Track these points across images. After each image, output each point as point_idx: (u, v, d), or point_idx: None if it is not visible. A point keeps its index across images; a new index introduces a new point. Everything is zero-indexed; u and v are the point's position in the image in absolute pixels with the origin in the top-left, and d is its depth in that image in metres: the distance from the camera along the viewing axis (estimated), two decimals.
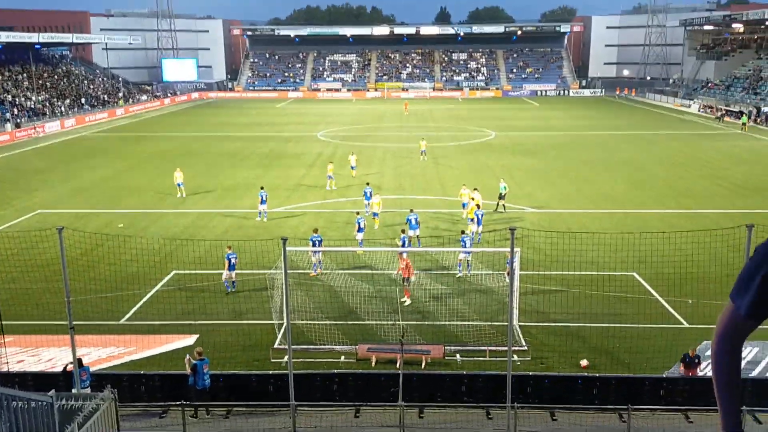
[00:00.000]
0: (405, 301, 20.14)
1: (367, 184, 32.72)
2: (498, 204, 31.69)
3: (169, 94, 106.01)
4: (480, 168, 44.75)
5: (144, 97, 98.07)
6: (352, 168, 40.33)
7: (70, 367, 14.45)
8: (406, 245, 23.77)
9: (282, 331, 18.08)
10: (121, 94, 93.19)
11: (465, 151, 52.40)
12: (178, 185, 35.74)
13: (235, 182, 39.88)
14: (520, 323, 18.70)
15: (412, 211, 27.01)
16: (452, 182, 39.25)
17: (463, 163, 46.50)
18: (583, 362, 15.98)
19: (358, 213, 26.27)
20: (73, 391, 13.50)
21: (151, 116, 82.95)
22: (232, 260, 21.56)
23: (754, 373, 15.90)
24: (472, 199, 28.87)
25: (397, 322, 18.86)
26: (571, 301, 20.42)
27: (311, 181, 40.23)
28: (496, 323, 18.74)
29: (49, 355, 17.06)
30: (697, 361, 14.97)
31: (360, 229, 25.33)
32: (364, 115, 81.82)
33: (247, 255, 24.04)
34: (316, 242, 23.39)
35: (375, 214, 29.28)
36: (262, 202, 30.13)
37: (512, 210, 32.67)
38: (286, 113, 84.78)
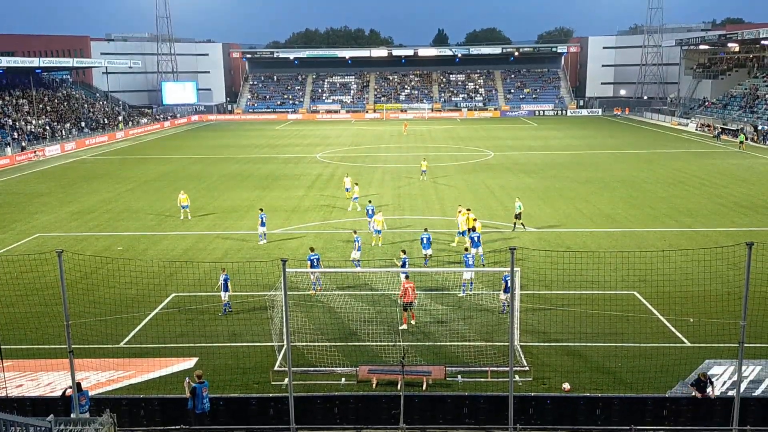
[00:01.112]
0: (403, 327, 20.08)
1: (369, 201, 32.98)
2: (515, 224, 31.86)
3: (168, 117, 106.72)
4: (479, 187, 44.86)
5: (144, 120, 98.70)
6: (348, 190, 40.53)
7: (69, 392, 14.38)
8: (407, 266, 23.76)
9: (282, 353, 18.01)
10: (121, 118, 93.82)
11: (464, 170, 52.58)
12: (183, 207, 35.78)
13: (235, 204, 39.98)
14: (522, 343, 18.64)
15: (426, 230, 27.06)
16: (451, 202, 39.32)
17: (462, 182, 46.63)
18: (566, 386, 15.92)
19: (355, 232, 26.37)
20: (72, 416, 13.43)
21: (151, 139, 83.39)
22: (227, 283, 21.51)
23: (758, 392, 15.83)
24: (469, 217, 29.13)
25: (398, 344, 18.80)
26: (572, 320, 20.37)
27: (310, 203, 40.33)
28: (497, 343, 18.68)
29: (48, 380, 16.98)
30: (710, 382, 14.83)
31: (358, 249, 25.41)
32: (363, 136, 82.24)
33: (246, 276, 24.03)
34: (314, 261, 23.45)
35: (377, 231, 29.55)
36: (262, 224, 30.23)
37: (510, 230, 32.71)
38: (286, 135, 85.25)
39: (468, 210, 30.02)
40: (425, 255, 26.06)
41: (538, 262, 24.18)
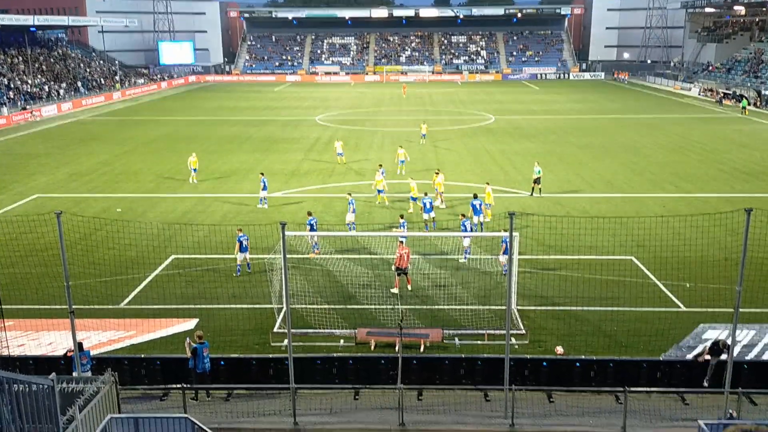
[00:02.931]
0: (394, 291, 20.19)
1: (380, 166, 32.79)
2: (533, 188, 31.79)
3: (165, 78, 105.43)
4: (479, 152, 44.63)
5: (141, 81, 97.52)
6: (339, 155, 40.36)
7: (70, 352, 14.55)
8: (405, 230, 23.82)
9: (281, 315, 18.20)
10: (117, 78, 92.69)
11: (464, 134, 52.24)
12: (192, 171, 35.54)
13: (233, 167, 39.83)
14: (519, 307, 18.83)
15: (426, 194, 27.07)
16: (452, 166, 39.18)
17: (462, 147, 46.38)
18: (559, 349, 16.11)
19: (349, 194, 26.33)
20: (74, 374, 13.61)
21: (148, 100, 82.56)
22: (244, 242, 21.72)
23: (751, 356, 16.05)
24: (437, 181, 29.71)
25: (396, 307, 18.97)
26: (569, 285, 20.54)
27: (310, 166, 40.18)
28: (494, 307, 18.87)
29: (49, 339, 17.17)
30: (726, 349, 14.77)
31: (352, 211, 25.49)
32: (363, 99, 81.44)
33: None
34: (314, 224, 23.53)
35: (379, 191, 29.80)
36: (264, 188, 30.15)
37: (511, 195, 32.68)
38: (284, 97, 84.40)
39: (437, 173, 30.43)
40: (426, 220, 26.10)
41: (537, 227, 24.25)
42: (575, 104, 72.63)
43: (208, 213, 29.72)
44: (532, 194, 31.87)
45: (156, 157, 43.35)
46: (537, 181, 31.74)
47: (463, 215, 24.06)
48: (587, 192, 33.12)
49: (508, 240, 21.81)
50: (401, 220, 24.22)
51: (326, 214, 28.83)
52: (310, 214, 24.15)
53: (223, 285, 20.93)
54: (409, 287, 20.57)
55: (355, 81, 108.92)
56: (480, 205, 26.04)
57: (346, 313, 18.75)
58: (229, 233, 23.88)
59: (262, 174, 30.79)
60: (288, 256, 14.98)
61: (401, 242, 20.84)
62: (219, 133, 53.85)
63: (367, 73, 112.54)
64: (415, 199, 28.62)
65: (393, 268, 20.63)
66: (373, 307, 19.06)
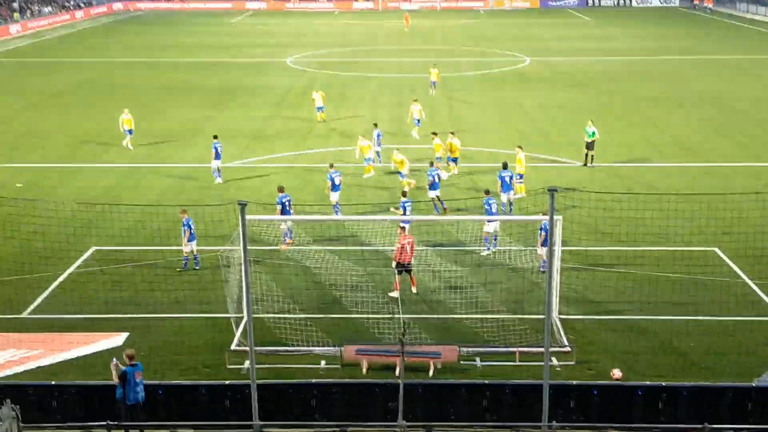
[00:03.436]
0: (394, 294, 20.24)
1: (375, 125, 32.71)
2: (587, 156, 31.83)
3: (81, 5, 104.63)
4: (508, 106, 44.46)
5: (47, 9, 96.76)
6: (319, 110, 40.22)
7: None
8: (407, 214, 23.79)
9: (241, 327, 18.20)
10: (15, 5, 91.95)
11: (489, 83, 51.97)
12: (127, 133, 35.32)
13: (175, 127, 39.68)
14: (562, 316, 18.87)
15: (432, 165, 27.11)
16: (471, 126, 39.06)
17: (486, 99, 46.18)
18: (616, 372, 16.19)
19: (331, 166, 26.28)
20: None
21: (59, 35, 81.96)
22: (192, 227, 21.83)
23: None
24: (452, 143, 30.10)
25: (396, 316, 18.99)
26: (630, 285, 20.56)
27: (279, 126, 39.97)
28: (529, 316, 18.87)
29: None
30: None
31: (334, 187, 25.51)
32: (351, 34, 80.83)
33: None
34: (286, 204, 23.47)
35: (368, 160, 30.19)
36: (217, 156, 29.98)
37: (552, 165, 32.64)
38: (244, 31, 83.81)
39: (452, 133, 30.64)
40: (433, 199, 26.09)
41: (588, 208, 24.24)
42: (640, 41, 72.32)
43: (141, 189, 29.55)
44: (585, 164, 31.85)
45: (70, 114, 43.09)
46: (590, 145, 31.68)
47: (488, 192, 24.00)
48: (655, 160, 33.08)
49: (548, 226, 21.91)
50: (403, 199, 24.16)
51: (301, 191, 28.74)
52: (281, 190, 24.06)
53: (163, 286, 20.89)
54: (414, 289, 20.57)
55: (340, 8, 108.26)
56: (511, 178, 25.97)
57: (328, 325, 18.73)
58: (170, 217, 23.78)
59: (215, 138, 30.67)
60: (250, 247, 14.94)
61: (403, 228, 20.82)
62: (155, 81, 53.44)
63: None
64: (403, 176, 28.62)
65: (393, 264, 20.65)
66: (365, 316, 19.07)
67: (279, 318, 18.77)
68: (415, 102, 37.87)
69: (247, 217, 12.89)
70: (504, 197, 25.56)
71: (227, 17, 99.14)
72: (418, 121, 36.95)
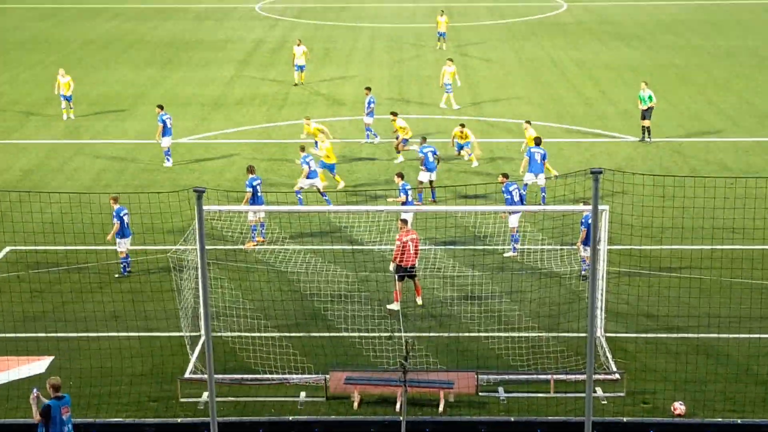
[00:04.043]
0: (394, 307, 20.30)
1: (368, 89, 32.51)
2: (644, 129, 31.98)
3: None
4: (540, 63, 44.47)
5: None
6: (299, 69, 40.14)
7: None
8: (408, 201, 23.77)
9: (198, 349, 18.19)
10: None
11: (514, 34, 51.87)
12: (65, 99, 35.22)
13: (112, 93, 39.71)
14: (608, 334, 18.86)
15: (424, 140, 27.17)
16: (492, 90, 39.02)
17: (511, 54, 46.13)
18: (678, 407, 16.19)
19: (302, 149, 26.27)
20: None
21: None
22: (125, 219, 21.85)
23: None
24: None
25: (397, 334, 18.99)
26: (696, 295, 20.50)
27: (246, 91, 39.96)
28: (566, 334, 18.85)
29: None
30: None
31: (311, 174, 25.64)
32: None
33: (134, 219, 24.01)
34: (257, 189, 23.47)
35: (406, 141, 29.75)
36: (166, 131, 29.91)
37: (598, 139, 32.60)
38: None
39: (462, 126, 29.92)
40: (422, 183, 26.38)
41: (642, 195, 24.21)
42: None
43: (67, 172, 29.56)
44: (643, 138, 31.84)
45: None
46: (646, 114, 31.65)
47: (506, 176, 24.00)
48: (728, 134, 33.11)
49: (590, 219, 21.87)
50: (400, 182, 24.10)
51: (275, 173, 28.74)
52: (251, 170, 24.13)
53: (97, 297, 20.86)
54: (419, 300, 20.57)
55: None
56: (543, 156, 26.02)
57: (310, 346, 18.72)
58: (105, 207, 23.70)
59: (161, 108, 30.51)
60: (209, 246, 14.91)
61: (404, 222, 20.82)
62: (87, 33, 53.40)
63: None
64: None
65: (391, 267, 20.64)
66: (356, 334, 19.06)
67: (246, 337, 18.71)
68: (450, 62, 37.40)
69: (205, 207, 12.89)
70: (529, 177, 25.72)
71: None
72: (449, 86, 36.69)
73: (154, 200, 23.73)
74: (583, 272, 21.34)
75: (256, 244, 23.59)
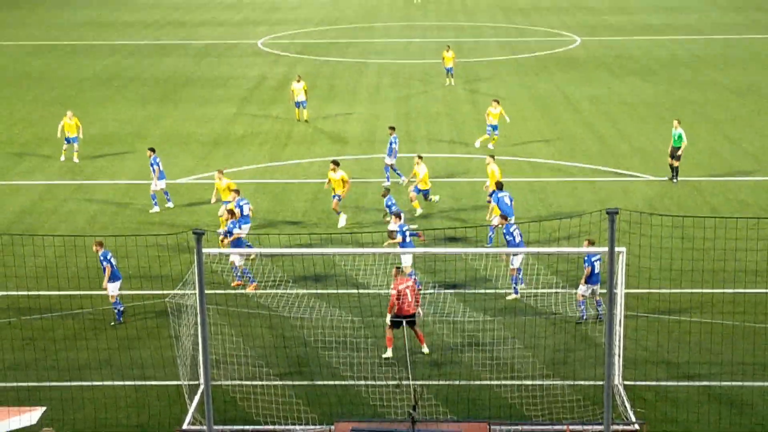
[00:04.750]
0: (387, 355, 20.26)
1: (392, 129, 32.26)
2: (672, 168, 31.89)
3: None
4: (552, 100, 44.59)
5: None
6: (299, 105, 40.38)
7: None
8: (406, 242, 23.81)
9: (197, 399, 18.05)
10: None
11: (525, 69, 52.05)
12: (69, 141, 34.86)
13: (108, 131, 39.84)
14: (627, 382, 18.67)
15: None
16: (502, 127, 39.01)
17: (522, 91, 46.23)
18: None
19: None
20: None
21: None
22: (113, 262, 21.83)
23: None
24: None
25: (405, 382, 18.86)
26: (717, 341, 20.41)
27: (248, 128, 40.10)
28: (582, 382, 18.73)
29: None
30: None
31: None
32: (342, 7, 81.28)
33: (131, 262, 23.98)
34: (244, 209, 24.35)
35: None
36: (160, 176, 29.71)
37: (613, 178, 32.57)
38: (201, 5, 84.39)
39: (491, 158, 29.57)
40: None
41: (660, 235, 24.17)
42: (724, 13, 72.65)
43: (62, 214, 29.58)
44: (673, 177, 31.77)
45: None
46: (676, 154, 31.39)
47: (505, 218, 24.00)
48: (750, 172, 33.06)
49: (597, 260, 21.77)
50: (397, 222, 24.00)
51: (277, 214, 28.75)
52: (238, 192, 25.03)
53: (92, 344, 20.76)
54: (425, 349, 20.40)
55: None
56: (511, 199, 26.23)
57: (314, 395, 18.60)
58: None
59: (152, 151, 30.33)
60: (209, 291, 14.86)
61: (399, 269, 20.79)
62: (83, 70, 53.71)
63: None
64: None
65: (387, 319, 20.48)
66: (362, 382, 18.93)
67: (247, 386, 18.58)
68: (495, 103, 36.26)
69: (205, 250, 12.83)
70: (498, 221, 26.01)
71: None
72: (495, 128, 35.82)
73: (152, 242, 23.77)
74: (584, 314, 21.38)
75: (257, 287, 23.54)
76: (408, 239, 24.04)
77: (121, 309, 22.14)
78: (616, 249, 14.29)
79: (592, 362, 19.43)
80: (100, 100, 45.65)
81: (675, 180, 31.69)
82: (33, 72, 53.22)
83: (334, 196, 27.91)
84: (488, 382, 18.99)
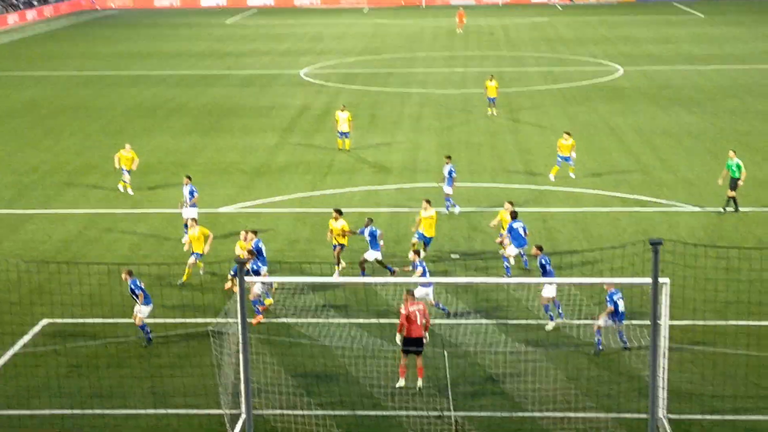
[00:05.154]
0: (399, 384, 20.15)
1: (448, 158, 32.28)
2: (728, 200, 31.62)
3: (35, 3, 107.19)
4: (595, 129, 44.43)
5: None
6: (342, 136, 40.61)
7: None
8: (424, 273, 23.78)
9: (238, 427, 18.08)
10: None
11: (568, 100, 51.93)
12: (125, 173, 34.98)
13: (152, 161, 40.03)
14: (672, 415, 18.51)
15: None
16: (544, 156, 38.98)
17: (565, 120, 46.08)
18: None
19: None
20: None
21: (5, 42, 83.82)
22: (136, 290, 22.09)
23: None
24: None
25: (446, 413, 18.80)
26: (764, 374, 20.14)
27: (290, 158, 40.35)
28: (626, 415, 18.57)
29: None
30: None
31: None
32: (385, 37, 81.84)
33: (174, 291, 24.13)
34: (262, 250, 24.18)
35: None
36: (190, 202, 29.61)
37: (657, 209, 32.38)
38: (244, 35, 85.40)
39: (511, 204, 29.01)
40: (367, 261, 26.26)
41: (703, 267, 23.95)
42: None
43: (105, 243, 29.82)
44: (735, 209, 31.40)
45: (16, 144, 43.79)
46: (734, 184, 31.24)
47: (540, 248, 23.92)
48: None
49: (619, 297, 21.44)
50: (416, 259, 23.93)
51: (318, 243, 28.83)
52: (255, 233, 24.80)
53: (135, 371, 20.91)
54: (420, 382, 20.14)
55: (371, 5, 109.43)
56: (525, 229, 26.39)
57: (355, 425, 18.60)
58: (144, 279, 23.85)
59: (189, 179, 30.46)
60: (251, 320, 14.93)
61: (409, 293, 20.81)
62: (128, 100, 54.32)
63: None
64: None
65: (398, 338, 20.35)
66: (403, 412, 18.89)
67: (288, 415, 18.58)
68: (567, 135, 35.70)
69: (247, 278, 12.91)
70: (513, 251, 26.16)
71: (221, 16, 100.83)
72: (567, 159, 35.47)
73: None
74: (599, 346, 21.26)
75: (264, 312, 23.69)
76: (425, 271, 24.01)
77: (150, 335, 22.40)
78: (660, 280, 14.23)
79: (636, 394, 19.26)
80: (145, 130, 46.08)
81: (724, 210, 31.33)
82: (79, 102, 53.93)
83: (334, 246, 26.71)
84: (530, 414, 18.88)
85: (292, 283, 24.37)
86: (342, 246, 26.65)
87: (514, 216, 26.66)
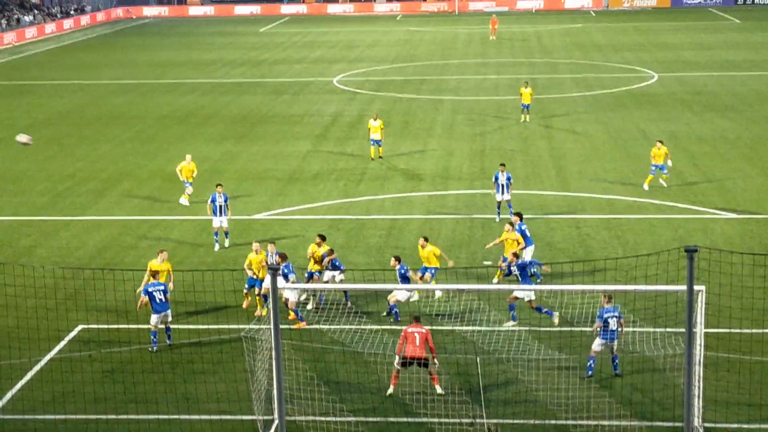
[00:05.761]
0: (389, 391, 20.11)
1: (502, 166, 32.02)
2: None
3: (71, 13, 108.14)
4: (629, 136, 44.19)
5: (29, 18, 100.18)
6: (375, 143, 40.56)
7: None
8: (425, 280, 23.94)
9: None
10: None
11: (602, 105, 51.68)
12: (187, 185, 34.63)
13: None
14: (708, 424, 18.35)
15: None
16: (577, 163, 38.80)
17: (598, 127, 45.92)
18: None
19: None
20: None
21: (42, 50, 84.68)
22: (157, 296, 22.26)
23: None
24: None
25: (479, 420, 18.74)
26: None
27: (323, 165, 40.46)
28: (662, 423, 18.47)
29: None
30: None
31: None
32: (418, 45, 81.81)
33: (207, 297, 24.21)
34: (288, 276, 23.38)
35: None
36: (219, 211, 29.38)
37: (692, 215, 32.15)
38: (277, 43, 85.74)
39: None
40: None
41: (740, 275, 23.73)
42: None
43: (141, 249, 30.03)
44: None
45: (53, 151, 44.11)
46: None
47: (516, 256, 24.27)
48: None
49: (614, 315, 20.84)
50: (400, 266, 23.87)
51: (351, 250, 28.87)
52: (284, 258, 23.85)
53: (168, 376, 20.98)
54: (438, 389, 20.10)
55: (404, 12, 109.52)
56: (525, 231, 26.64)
57: (387, 431, 18.66)
58: (178, 285, 24.04)
59: (220, 187, 30.29)
60: (283, 326, 14.97)
61: (416, 318, 20.75)
62: (162, 108, 54.74)
63: (426, 0, 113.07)
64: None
65: (396, 360, 20.25)
66: (435, 420, 18.83)
67: (321, 421, 18.61)
68: (660, 144, 35.04)
69: (281, 285, 12.94)
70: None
71: (256, 26, 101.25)
72: (662, 167, 34.93)
73: (228, 278, 24.02)
74: (590, 372, 20.84)
75: (300, 325, 23.63)
76: (429, 276, 24.13)
77: (168, 338, 22.63)
78: (695, 287, 14.11)
79: (671, 403, 19.10)
80: (179, 138, 46.42)
81: None
82: (114, 110, 54.38)
83: (312, 273, 25.30)
84: (564, 422, 18.79)
85: (330, 299, 24.52)
86: (320, 273, 25.15)
87: (520, 217, 26.76)
